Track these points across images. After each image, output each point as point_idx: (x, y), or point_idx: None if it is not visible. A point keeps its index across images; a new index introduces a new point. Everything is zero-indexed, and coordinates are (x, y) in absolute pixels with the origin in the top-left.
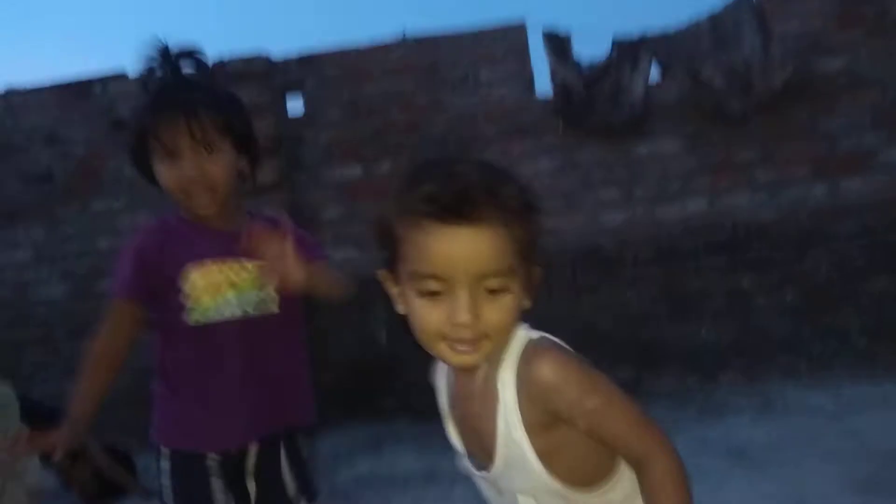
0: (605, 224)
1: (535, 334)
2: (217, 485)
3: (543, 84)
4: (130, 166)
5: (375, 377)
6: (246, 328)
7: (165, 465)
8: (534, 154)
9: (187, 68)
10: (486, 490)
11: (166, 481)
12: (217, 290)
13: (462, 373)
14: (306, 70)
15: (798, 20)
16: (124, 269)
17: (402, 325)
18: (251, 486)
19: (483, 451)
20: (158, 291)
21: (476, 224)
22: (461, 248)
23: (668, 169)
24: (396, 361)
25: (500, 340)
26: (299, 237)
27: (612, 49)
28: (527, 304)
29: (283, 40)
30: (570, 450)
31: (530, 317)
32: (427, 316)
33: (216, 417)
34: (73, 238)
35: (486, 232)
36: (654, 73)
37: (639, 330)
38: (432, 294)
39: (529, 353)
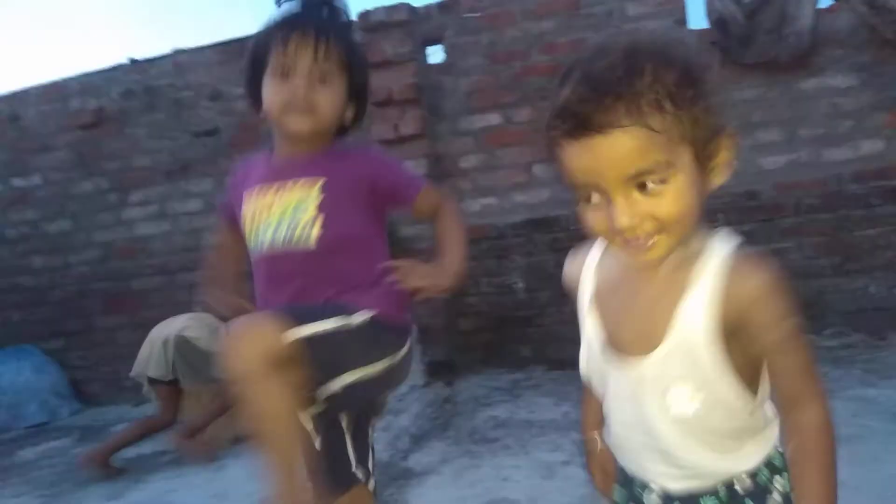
0: (764, 167)
1: (741, 241)
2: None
3: (697, 16)
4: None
5: (513, 326)
6: (289, 256)
7: None
8: None
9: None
10: (619, 385)
11: None
12: (261, 215)
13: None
14: (446, 16)
15: None
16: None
17: (538, 275)
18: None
19: (641, 340)
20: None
21: (605, 131)
22: (597, 157)
23: (838, 106)
24: (534, 311)
25: (679, 230)
26: (395, 171)
27: None
28: (717, 180)
29: None
30: (743, 359)
31: None
32: (594, 222)
33: None
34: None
35: (618, 135)
36: None
37: (799, 284)
38: (593, 200)
39: (743, 258)
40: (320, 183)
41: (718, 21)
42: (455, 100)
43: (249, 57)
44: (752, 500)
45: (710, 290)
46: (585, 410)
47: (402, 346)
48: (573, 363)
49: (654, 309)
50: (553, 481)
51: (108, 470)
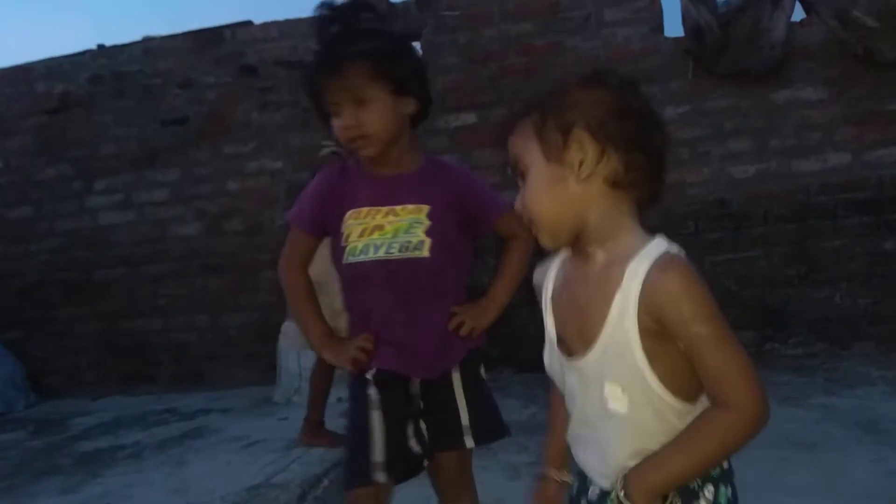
0: (735, 177)
1: (675, 247)
2: (376, 414)
3: (673, 25)
4: (260, 112)
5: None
6: (391, 270)
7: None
8: (659, 100)
9: (361, 18)
10: (570, 381)
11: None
12: (365, 232)
13: (580, 259)
14: (424, 13)
15: None
16: (303, 202)
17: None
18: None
19: (581, 337)
20: (330, 231)
21: None
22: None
23: (808, 118)
24: (504, 312)
25: (539, 225)
26: (481, 191)
27: None
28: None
29: None
30: (673, 361)
31: None
32: None
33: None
34: (205, 179)
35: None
36: (798, 12)
37: (766, 292)
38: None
39: (667, 260)
40: (426, 210)
41: (694, 29)
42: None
43: (313, 101)
44: (681, 499)
45: (636, 290)
46: (548, 441)
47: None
48: (542, 365)
49: (590, 308)
50: (519, 482)
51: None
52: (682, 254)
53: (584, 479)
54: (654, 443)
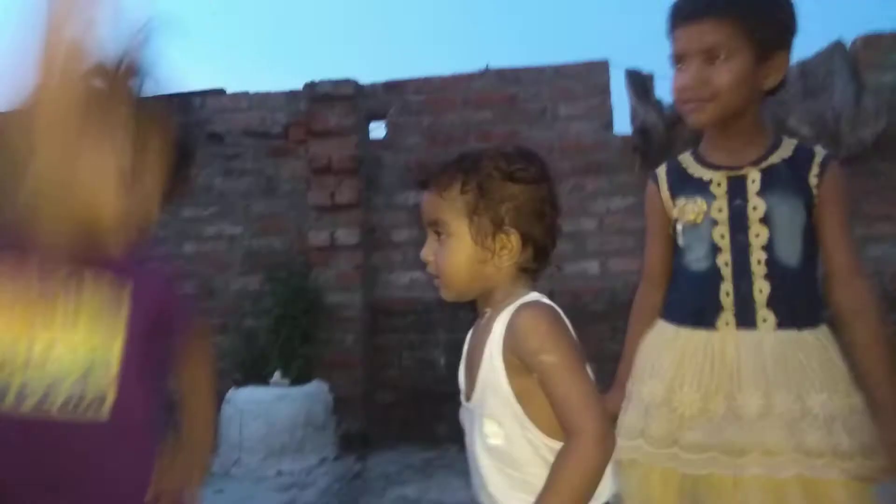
0: None
1: (544, 298)
2: None
3: (622, 122)
4: (223, 178)
5: (431, 402)
6: (70, 427)
7: None
8: (607, 191)
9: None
10: (465, 424)
11: None
12: (20, 345)
13: (481, 315)
14: (390, 96)
15: (894, 72)
16: None
17: (459, 352)
18: None
19: (469, 382)
20: None
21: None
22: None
23: None
24: (453, 388)
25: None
26: (173, 304)
27: None
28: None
29: (371, 69)
30: (542, 399)
31: None
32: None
33: None
34: (163, 241)
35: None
36: None
37: None
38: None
39: (525, 304)
40: (126, 316)
41: (641, 129)
42: (393, 174)
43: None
44: None
45: (499, 334)
46: None
47: None
48: None
49: (474, 354)
50: None
51: None
52: (547, 301)
53: None
54: (531, 476)
